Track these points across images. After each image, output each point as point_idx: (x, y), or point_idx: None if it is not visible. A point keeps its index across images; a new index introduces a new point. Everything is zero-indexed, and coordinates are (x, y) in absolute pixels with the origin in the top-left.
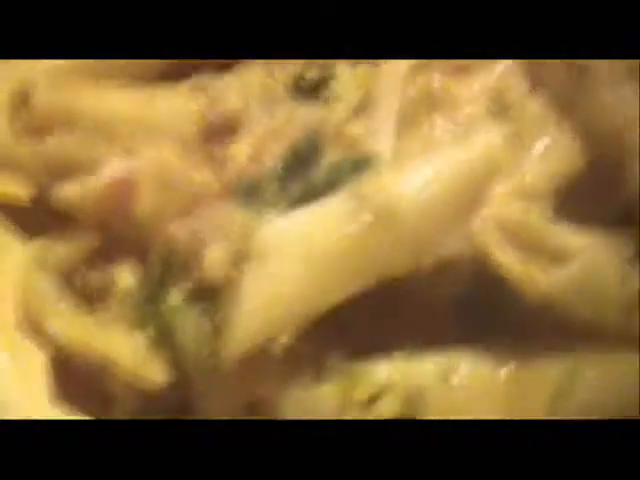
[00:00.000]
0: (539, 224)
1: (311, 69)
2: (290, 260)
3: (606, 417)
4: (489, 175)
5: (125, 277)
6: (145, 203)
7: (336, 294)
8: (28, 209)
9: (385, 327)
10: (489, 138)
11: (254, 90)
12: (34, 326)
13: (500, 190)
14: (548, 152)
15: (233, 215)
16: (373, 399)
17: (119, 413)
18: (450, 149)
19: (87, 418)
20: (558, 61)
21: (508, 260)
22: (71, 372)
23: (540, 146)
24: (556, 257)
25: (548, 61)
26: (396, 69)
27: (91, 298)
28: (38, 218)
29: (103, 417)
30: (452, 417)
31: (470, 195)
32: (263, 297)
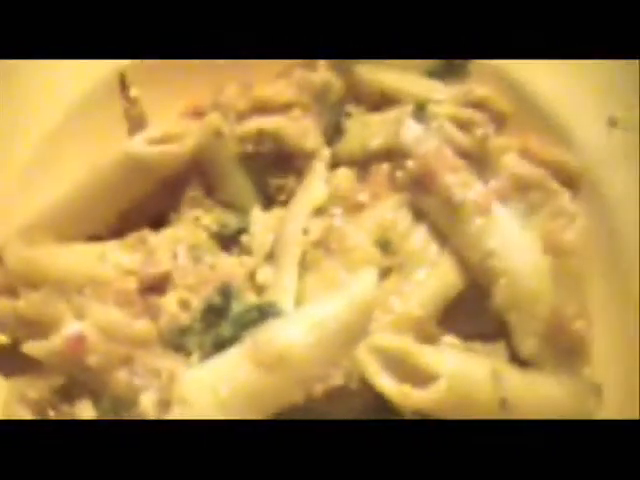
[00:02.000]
0: (411, 349)
1: (230, 218)
2: (201, 407)
3: None
4: (370, 312)
5: (85, 413)
6: (94, 355)
7: None
8: (10, 352)
9: None
10: (371, 278)
11: (184, 243)
12: None
13: (382, 321)
14: (429, 279)
15: (164, 362)
16: None
17: None
18: (337, 293)
19: None
20: (435, 197)
21: (385, 384)
22: None
23: (421, 274)
24: (427, 377)
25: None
26: (299, 214)
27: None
28: (18, 360)
29: None
30: None
31: (354, 332)
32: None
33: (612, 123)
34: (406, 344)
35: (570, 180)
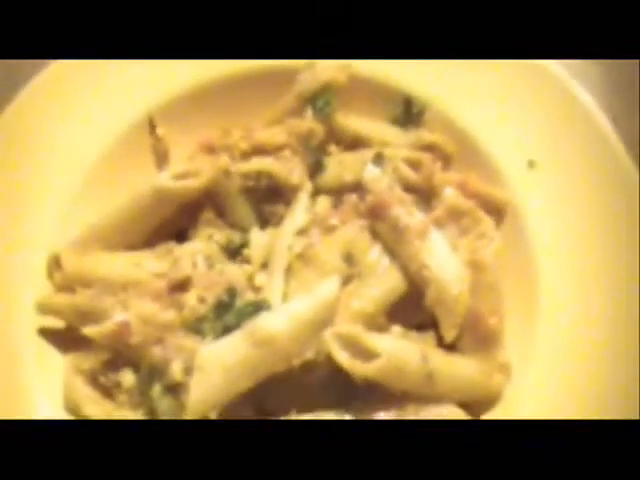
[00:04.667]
0: (361, 335)
1: (235, 236)
2: (213, 372)
3: None
4: (333, 309)
5: (128, 379)
6: (135, 336)
7: (246, 385)
8: (67, 334)
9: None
10: (335, 285)
11: (201, 254)
12: (75, 410)
13: (343, 315)
14: (379, 284)
15: (187, 341)
16: None
17: None
18: (311, 294)
19: None
20: (386, 224)
21: (342, 358)
22: None
23: (374, 280)
24: (370, 354)
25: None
26: (286, 234)
27: (110, 391)
28: (73, 340)
29: None
30: None
31: (322, 322)
32: (203, 392)
33: (531, 165)
34: (358, 331)
35: (496, 209)
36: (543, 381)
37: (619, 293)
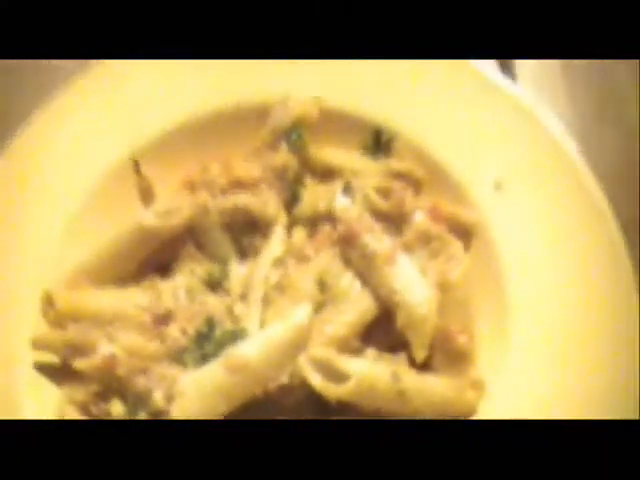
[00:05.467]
0: (331, 358)
1: (215, 269)
2: (193, 398)
3: None
4: (306, 334)
5: (117, 408)
6: (122, 368)
7: (224, 410)
8: (60, 369)
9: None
10: (307, 311)
11: (182, 288)
12: None
13: (316, 340)
14: (351, 309)
15: (169, 371)
16: None
17: None
18: (284, 322)
19: None
20: (356, 251)
21: (315, 381)
22: None
23: (347, 306)
24: (341, 377)
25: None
26: (263, 265)
27: None
28: (65, 374)
29: None
30: None
31: (295, 348)
32: (183, 417)
33: (497, 186)
34: (331, 355)
35: (464, 232)
36: (517, 396)
37: (590, 308)
